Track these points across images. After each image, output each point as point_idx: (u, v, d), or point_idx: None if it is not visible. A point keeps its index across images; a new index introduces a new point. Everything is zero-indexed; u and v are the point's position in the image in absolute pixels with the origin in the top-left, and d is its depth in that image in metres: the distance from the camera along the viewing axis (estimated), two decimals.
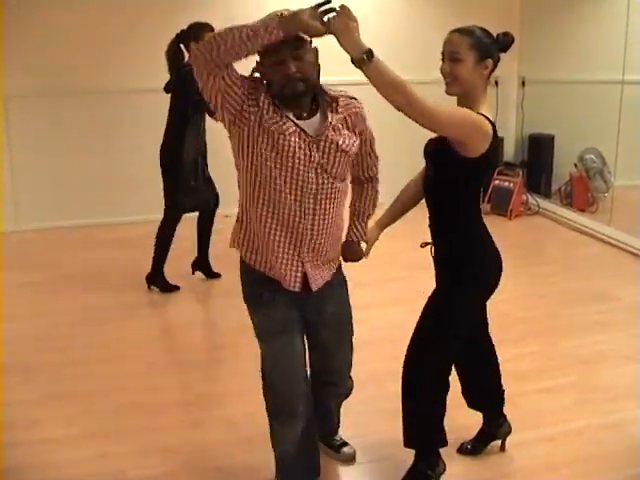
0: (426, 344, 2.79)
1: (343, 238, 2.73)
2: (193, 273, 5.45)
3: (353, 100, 2.53)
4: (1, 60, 6.33)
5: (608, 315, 4.71)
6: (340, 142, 2.44)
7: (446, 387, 2.85)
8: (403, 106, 2.31)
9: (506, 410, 3.18)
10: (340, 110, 2.46)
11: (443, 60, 2.60)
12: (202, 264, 5.43)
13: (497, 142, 2.63)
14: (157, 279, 5.21)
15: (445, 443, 2.91)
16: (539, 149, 7.51)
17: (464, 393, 3.12)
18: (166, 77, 4.98)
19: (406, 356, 2.83)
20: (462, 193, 2.68)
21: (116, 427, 3.43)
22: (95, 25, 6.53)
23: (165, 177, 5.06)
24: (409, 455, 3.02)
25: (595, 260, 5.98)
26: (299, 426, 2.67)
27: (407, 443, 2.89)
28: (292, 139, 2.38)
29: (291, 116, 2.40)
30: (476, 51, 2.56)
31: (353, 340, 2.88)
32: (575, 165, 6.97)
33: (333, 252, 2.63)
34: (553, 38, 7.28)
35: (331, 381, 2.95)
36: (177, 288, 5.22)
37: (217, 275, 5.45)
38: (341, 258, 2.76)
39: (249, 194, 2.48)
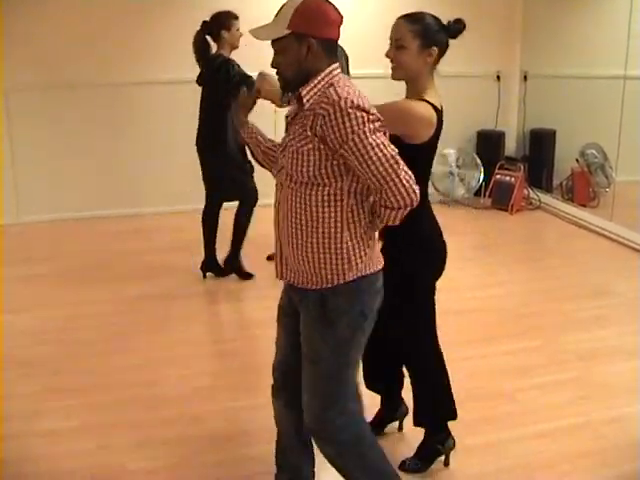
0: (412, 335, 2.93)
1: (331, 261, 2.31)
2: (204, 276, 5.31)
3: (324, 101, 2.18)
4: (1, 54, 6.32)
5: (609, 310, 4.71)
6: (288, 138, 2.32)
7: (442, 358, 2.99)
8: None
9: (506, 405, 3.18)
10: (307, 105, 2.24)
11: (391, 45, 2.68)
12: (212, 264, 5.32)
13: (440, 128, 2.70)
14: (235, 265, 5.25)
15: (455, 415, 3.00)
16: (541, 144, 7.49)
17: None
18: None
19: (401, 349, 2.99)
20: None
21: (116, 420, 3.43)
22: (96, 18, 6.49)
23: (210, 165, 5.08)
24: (409, 450, 3.03)
25: (596, 255, 5.98)
26: (275, 409, 2.70)
27: (418, 422, 3.01)
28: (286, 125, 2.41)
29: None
30: (421, 39, 2.63)
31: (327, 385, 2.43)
32: (577, 160, 6.96)
33: (299, 264, 2.35)
34: (555, 33, 7.27)
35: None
36: (251, 276, 5.21)
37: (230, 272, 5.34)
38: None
39: None
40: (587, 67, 6.89)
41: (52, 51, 6.48)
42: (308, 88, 2.24)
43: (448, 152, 7.29)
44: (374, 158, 2.16)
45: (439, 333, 2.95)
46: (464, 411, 3.13)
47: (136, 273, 5.40)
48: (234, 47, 4.94)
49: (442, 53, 2.70)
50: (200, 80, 5.05)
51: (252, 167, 4.99)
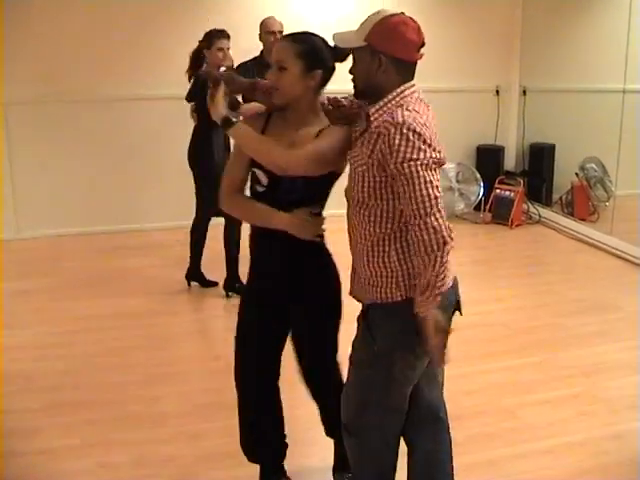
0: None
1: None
2: (189, 285, 5.40)
3: (389, 120, 2.15)
4: (1, 67, 6.34)
5: (609, 325, 4.70)
6: (351, 156, 2.31)
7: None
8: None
9: (507, 422, 3.16)
10: (373, 125, 2.20)
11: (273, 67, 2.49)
12: (197, 274, 5.40)
13: None
14: (196, 276, 5.37)
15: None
16: (540, 158, 7.51)
17: None
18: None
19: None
20: None
21: (115, 437, 3.42)
22: (96, 32, 6.52)
23: (198, 180, 5.14)
24: None
25: (596, 270, 5.97)
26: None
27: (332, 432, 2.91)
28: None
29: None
30: (304, 60, 2.41)
31: None
32: (576, 174, 6.98)
33: (359, 279, 2.41)
34: (554, 47, 7.30)
35: None
36: (215, 284, 5.36)
37: (214, 284, 5.39)
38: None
39: None
40: (586, 81, 6.93)
41: (52, 65, 6.50)
42: (376, 107, 2.22)
43: (448, 167, 7.30)
44: (418, 192, 2.11)
45: None
46: (464, 428, 3.12)
47: (136, 289, 5.39)
48: (215, 65, 4.90)
49: (328, 77, 2.49)
50: (188, 97, 5.07)
51: None
